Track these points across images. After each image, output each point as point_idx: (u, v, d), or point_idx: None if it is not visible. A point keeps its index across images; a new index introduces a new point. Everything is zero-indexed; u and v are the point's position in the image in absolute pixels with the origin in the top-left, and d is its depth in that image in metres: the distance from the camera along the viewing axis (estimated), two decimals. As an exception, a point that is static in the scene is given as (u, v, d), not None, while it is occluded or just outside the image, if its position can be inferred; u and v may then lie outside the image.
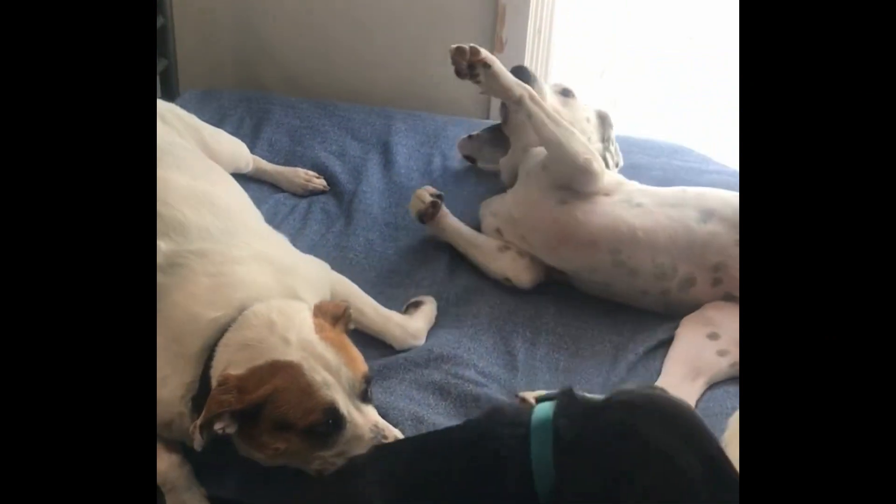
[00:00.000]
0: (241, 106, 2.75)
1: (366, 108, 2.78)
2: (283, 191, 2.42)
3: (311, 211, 2.33)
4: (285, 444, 1.45)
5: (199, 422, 1.42)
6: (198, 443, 1.43)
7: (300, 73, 3.03)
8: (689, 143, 2.73)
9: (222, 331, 1.54)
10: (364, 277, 2.04)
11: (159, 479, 1.57)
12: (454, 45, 1.99)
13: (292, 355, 1.46)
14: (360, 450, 1.44)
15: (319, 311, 1.58)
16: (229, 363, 1.49)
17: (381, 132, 2.65)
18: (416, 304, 1.93)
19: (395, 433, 1.48)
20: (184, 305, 1.58)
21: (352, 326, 1.65)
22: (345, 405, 1.45)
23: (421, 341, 1.86)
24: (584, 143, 1.99)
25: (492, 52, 2.83)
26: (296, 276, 1.73)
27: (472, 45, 1.99)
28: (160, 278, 1.60)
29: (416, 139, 2.63)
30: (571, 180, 1.97)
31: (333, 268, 1.94)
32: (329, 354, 1.48)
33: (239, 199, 1.95)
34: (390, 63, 2.97)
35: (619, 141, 2.36)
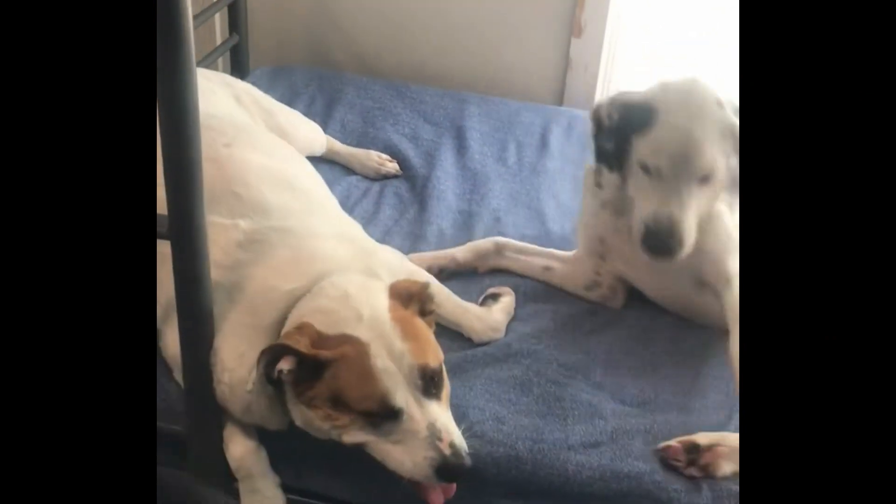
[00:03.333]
0: (312, 84, 2.72)
1: (438, 91, 2.73)
2: (355, 173, 2.38)
3: (384, 195, 2.29)
4: (338, 417, 1.40)
5: (263, 349, 1.39)
6: (251, 380, 1.40)
7: (372, 52, 2.98)
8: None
9: (297, 301, 1.50)
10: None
11: (233, 465, 1.55)
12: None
13: (362, 333, 1.41)
14: (417, 448, 1.38)
15: (395, 289, 1.52)
16: (305, 319, 1.45)
17: (454, 116, 2.60)
18: (494, 297, 1.87)
19: (453, 439, 1.39)
20: (261, 278, 1.54)
21: (432, 308, 1.57)
22: (403, 397, 1.39)
23: (501, 334, 1.80)
24: None
25: (569, 36, 2.78)
26: (375, 257, 1.69)
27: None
28: (239, 254, 1.56)
29: (490, 124, 2.58)
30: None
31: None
32: (396, 340, 1.42)
33: (316, 182, 1.92)
34: (464, 46, 2.91)
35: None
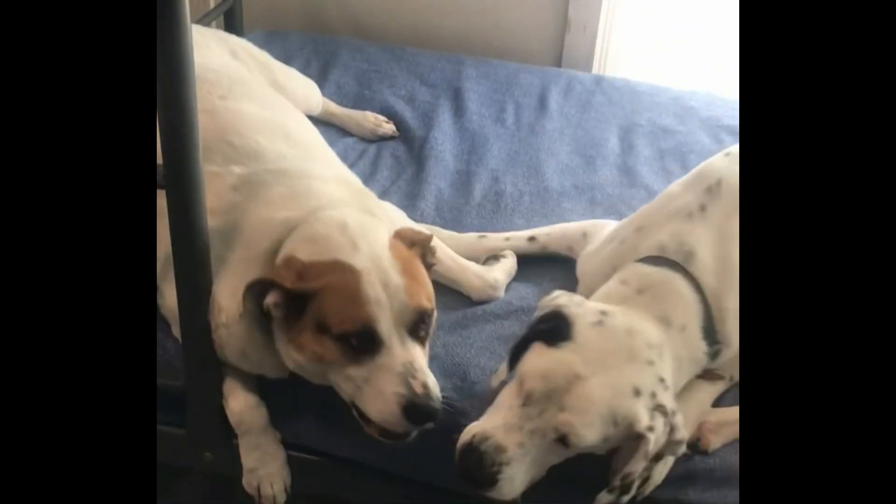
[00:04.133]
0: (307, 48, 2.69)
1: (435, 54, 2.70)
2: (351, 135, 2.35)
3: (381, 156, 2.26)
4: (321, 349, 1.37)
5: (249, 282, 1.37)
6: (238, 308, 1.38)
7: (366, 15, 2.94)
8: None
9: (291, 231, 1.47)
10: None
11: (233, 420, 1.54)
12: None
13: (357, 261, 1.39)
14: (389, 383, 1.35)
15: (399, 234, 1.50)
16: (294, 251, 1.43)
17: (450, 78, 2.57)
18: (496, 258, 1.85)
19: (427, 380, 1.36)
20: (255, 212, 1.52)
21: (433, 261, 1.55)
22: (387, 329, 1.36)
23: (500, 293, 1.77)
24: None
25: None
26: (374, 200, 1.67)
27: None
28: (233, 197, 1.54)
29: (487, 86, 2.55)
30: None
31: (403, 216, 1.87)
32: (393, 274, 1.39)
33: (313, 135, 1.89)
34: (461, 7, 2.87)
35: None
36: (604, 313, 1.39)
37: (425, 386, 1.35)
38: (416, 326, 1.40)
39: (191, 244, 1.39)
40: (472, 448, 1.33)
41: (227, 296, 1.45)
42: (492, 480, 1.31)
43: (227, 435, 1.57)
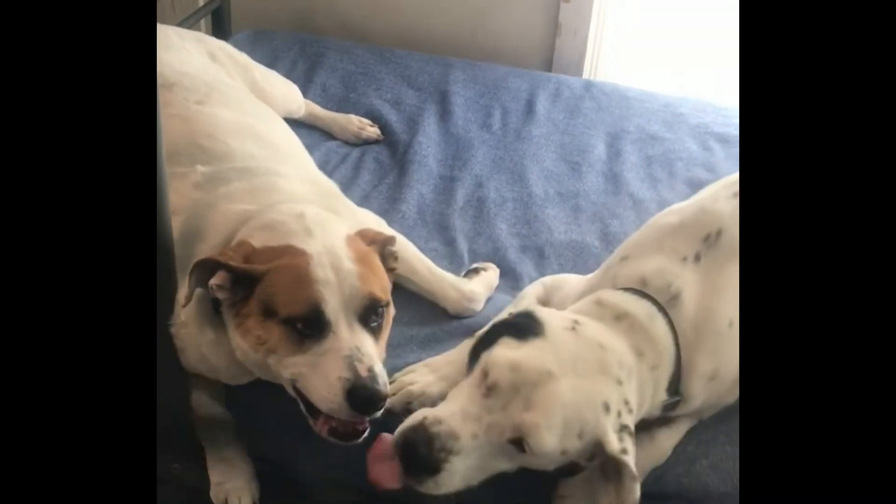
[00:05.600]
0: (294, 48, 2.66)
1: (423, 56, 2.67)
2: (335, 138, 2.32)
3: (364, 160, 2.23)
4: (266, 335, 1.32)
5: (194, 262, 1.32)
6: (184, 292, 1.33)
7: (355, 16, 2.91)
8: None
9: (248, 221, 1.44)
10: (416, 234, 1.93)
11: (200, 433, 1.51)
12: None
13: (309, 246, 1.35)
14: (334, 368, 1.28)
15: (360, 232, 1.46)
16: (247, 238, 1.39)
17: (438, 81, 2.54)
18: (477, 271, 1.79)
19: (374, 365, 1.29)
20: (214, 205, 1.48)
21: (394, 265, 1.50)
22: (334, 312, 1.30)
23: (478, 306, 1.70)
24: None
25: (559, 1, 2.71)
26: (341, 201, 1.63)
27: None
28: (195, 195, 1.51)
29: (475, 90, 2.51)
30: None
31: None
32: (345, 259, 1.34)
33: (289, 141, 1.85)
34: (450, 10, 2.84)
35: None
36: (577, 322, 1.33)
37: (371, 370, 1.28)
38: (367, 314, 1.34)
39: (155, 249, 1.36)
40: (422, 429, 1.23)
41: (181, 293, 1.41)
42: (436, 468, 1.21)
43: (194, 447, 1.54)
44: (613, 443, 1.24)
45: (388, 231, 1.65)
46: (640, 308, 1.36)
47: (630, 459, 1.24)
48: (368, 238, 1.47)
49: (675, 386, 1.37)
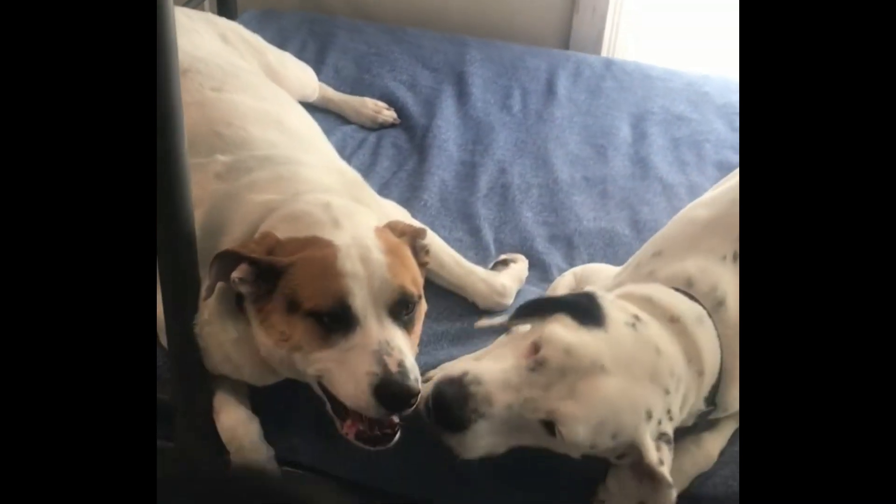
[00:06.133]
0: (303, 28, 2.57)
1: (437, 35, 2.59)
2: (350, 123, 2.24)
3: (382, 146, 2.15)
4: (290, 330, 1.26)
5: (217, 252, 1.27)
6: (207, 285, 1.28)
7: (366, -6, 2.82)
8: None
9: (272, 212, 1.37)
10: (439, 223, 1.87)
11: (225, 436, 1.44)
12: None
13: (337, 237, 1.28)
14: (362, 362, 1.21)
15: (389, 225, 1.40)
16: (271, 229, 1.33)
17: (454, 61, 2.46)
18: (505, 262, 1.73)
19: (405, 359, 1.22)
20: (236, 195, 1.43)
21: (425, 260, 1.44)
22: (362, 305, 1.24)
23: (509, 300, 1.64)
24: None
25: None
26: (369, 192, 1.57)
27: None
28: (217, 185, 1.45)
29: (492, 69, 2.43)
30: None
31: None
32: (374, 250, 1.28)
33: (310, 127, 1.78)
34: (463, -14, 2.75)
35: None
36: (638, 318, 1.26)
37: (401, 365, 1.21)
38: (398, 308, 1.27)
39: (176, 246, 1.29)
40: (460, 385, 1.20)
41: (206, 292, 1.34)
42: (464, 425, 1.19)
43: (217, 450, 1.47)
44: (651, 452, 1.20)
45: (416, 224, 1.58)
46: (691, 311, 1.30)
47: (665, 470, 1.20)
48: (398, 230, 1.40)
49: (714, 394, 1.32)
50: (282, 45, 2.40)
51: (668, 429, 1.23)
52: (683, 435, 1.36)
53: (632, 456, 1.23)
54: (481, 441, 1.21)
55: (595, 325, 1.23)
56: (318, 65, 2.39)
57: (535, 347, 1.22)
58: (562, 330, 1.22)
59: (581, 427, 1.18)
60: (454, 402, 1.19)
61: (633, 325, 1.25)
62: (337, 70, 2.40)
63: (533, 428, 1.21)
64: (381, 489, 1.49)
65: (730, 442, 1.41)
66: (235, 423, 1.43)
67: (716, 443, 1.39)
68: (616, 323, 1.24)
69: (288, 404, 1.47)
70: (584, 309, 1.25)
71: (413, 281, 1.32)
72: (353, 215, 1.36)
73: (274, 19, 2.58)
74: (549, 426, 1.19)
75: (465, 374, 1.21)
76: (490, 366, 1.24)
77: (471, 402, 1.19)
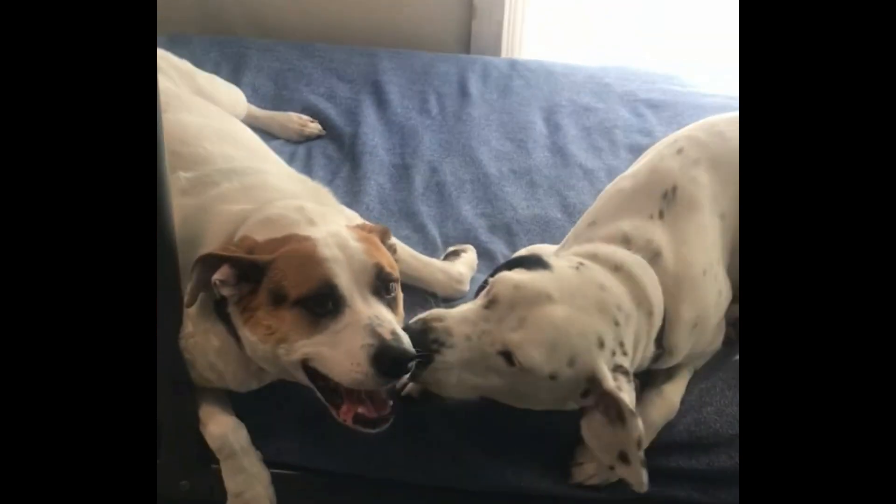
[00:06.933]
0: (213, 50, 2.59)
1: (346, 48, 2.66)
2: (277, 138, 2.28)
3: (313, 156, 2.21)
4: (277, 323, 1.29)
5: (199, 256, 1.31)
6: (189, 291, 1.32)
7: (268, 13, 2.85)
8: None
9: (245, 220, 1.42)
10: (384, 224, 1.89)
11: (215, 445, 1.47)
12: None
13: (314, 232, 1.35)
14: (355, 338, 1.25)
15: (357, 226, 1.46)
16: (249, 234, 1.38)
17: (367, 72, 2.54)
18: (456, 253, 1.82)
19: (396, 328, 1.27)
20: (207, 208, 1.47)
21: (394, 252, 1.49)
22: (348, 287, 1.29)
23: (466, 287, 1.74)
24: None
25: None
26: (330, 197, 1.63)
27: None
28: (182, 200, 1.48)
29: (405, 77, 2.52)
30: None
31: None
32: (351, 240, 1.34)
33: (257, 141, 1.83)
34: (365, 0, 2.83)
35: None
36: (582, 263, 1.39)
37: (394, 332, 1.25)
38: (379, 287, 1.33)
39: (159, 261, 1.31)
40: (423, 322, 1.33)
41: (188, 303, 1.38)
42: (429, 356, 1.29)
43: (203, 461, 1.50)
44: (608, 378, 1.30)
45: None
46: (633, 259, 1.43)
47: (626, 396, 1.29)
48: (367, 229, 1.47)
49: (660, 339, 1.44)
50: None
51: (624, 363, 1.33)
52: (647, 389, 1.49)
53: (594, 392, 1.31)
54: (451, 376, 1.31)
55: (542, 269, 1.36)
56: (235, 85, 2.41)
57: (489, 290, 1.34)
58: (511, 273, 1.35)
59: (535, 350, 1.27)
60: (418, 335, 1.30)
61: (577, 268, 1.38)
62: (255, 89, 2.43)
63: (495, 364, 1.30)
64: (371, 478, 1.54)
65: (687, 391, 1.54)
66: (225, 430, 1.47)
67: (676, 392, 1.52)
68: (561, 266, 1.37)
69: (270, 409, 1.51)
70: (532, 261, 1.38)
71: (389, 263, 1.38)
72: (326, 215, 1.43)
73: (184, 43, 2.57)
74: (508, 357, 1.29)
75: (429, 314, 1.34)
76: (451, 311, 1.36)
77: (431, 333, 1.31)
